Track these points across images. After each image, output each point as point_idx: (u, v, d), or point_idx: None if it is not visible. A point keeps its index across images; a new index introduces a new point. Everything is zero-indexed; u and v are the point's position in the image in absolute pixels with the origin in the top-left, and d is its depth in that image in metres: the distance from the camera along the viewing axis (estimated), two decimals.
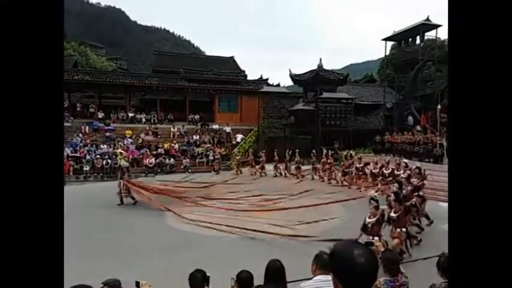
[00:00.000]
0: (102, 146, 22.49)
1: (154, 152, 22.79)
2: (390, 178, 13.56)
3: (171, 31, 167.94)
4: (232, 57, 40.54)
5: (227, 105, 29.96)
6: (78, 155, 21.06)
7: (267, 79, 35.31)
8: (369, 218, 6.81)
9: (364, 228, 6.80)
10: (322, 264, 2.80)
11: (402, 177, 10.95)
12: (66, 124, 23.56)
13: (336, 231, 8.89)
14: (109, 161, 20.60)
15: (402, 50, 29.66)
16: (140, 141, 24.06)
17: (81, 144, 22.29)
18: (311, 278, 2.86)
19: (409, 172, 11.08)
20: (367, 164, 15.93)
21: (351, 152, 18.98)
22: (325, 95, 26.52)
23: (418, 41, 27.74)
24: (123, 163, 13.57)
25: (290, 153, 20.29)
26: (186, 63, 33.97)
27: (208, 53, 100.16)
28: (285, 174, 19.99)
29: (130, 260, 7.32)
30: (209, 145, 25.08)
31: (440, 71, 26.38)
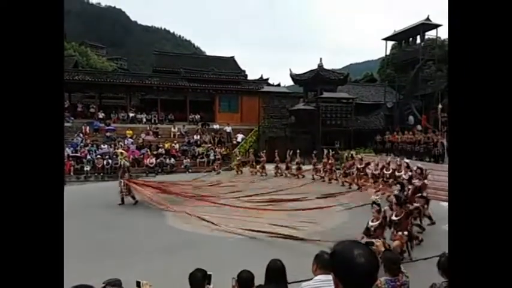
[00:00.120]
0: (102, 146, 22.52)
1: (155, 152, 22.81)
2: (391, 179, 13.54)
3: (171, 31, 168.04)
4: (232, 57, 40.55)
5: (227, 105, 29.97)
6: (78, 155, 21.09)
7: (267, 79, 35.32)
8: (372, 221, 6.81)
9: (367, 232, 6.79)
10: (322, 264, 2.80)
11: (404, 179, 10.90)
12: (66, 124, 23.60)
13: (336, 231, 8.89)
14: (110, 161, 20.63)
15: (403, 49, 29.63)
16: (141, 141, 24.08)
17: (81, 144, 22.32)
18: (312, 278, 2.87)
19: (410, 174, 11.05)
20: (368, 164, 15.90)
21: (352, 152, 18.95)
22: (326, 94, 26.53)
23: (418, 41, 27.70)
24: (124, 163, 13.58)
25: (291, 153, 20.29)
26: (187, 63, 33.98)
27: (208, 53, 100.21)
28: (286, 174, 19.98)
29: (131, 260, 7.33)
30: (210, 145, 25.09)
31: (441, 70, 26.35)
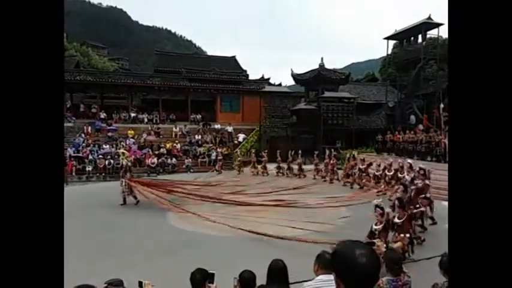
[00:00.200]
0: (104, 146, 22.56)
1: (156, 152, 22.84)
2: (394, 181, 13.49)
3: (172, 31, 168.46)
4: (233, 57, 40.54)
5: (229, 105, 29.97)
6: (80, 155, 21.13)
7: (268, 79, 35.33)
8: (375, 225, 6.80)
9: (371, 236, 6.78)
10: (324, 264, 2.80)
11: (407, 180, 10.80)
12: (68, 124, 23.67)
13: (338, 232, 8.88)
14: (111, 161, 20.66)
15: (404, 48, 29.55)
16: (142, 141, 24.11)
17: (83, 144, 22.36)
18: (313, 278, 2.86)
19: (412, 175, 10.97)
20: (370, 164, 15.86)
21: (353, 153, 18.89)
22: (327, 94, 26.51)
23: (420, 40, 27.62)
24: (126, 163, 13.60)
25: (293, 153, 20.28)
26: (188, 63, 34.02)
27: (209, 52, 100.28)
28: (287, 174, 19.97)
29: (132, 259, 7.33)
30: (211, 145, 25.10)
31: (443, 69, 26.28)
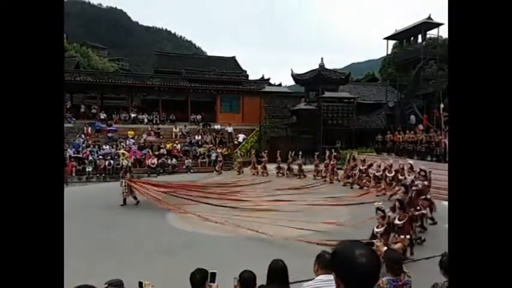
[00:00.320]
0: (104, 146, 22.57)
1: (156, 153, 22.84)
2: (394, 182, 13.46)
3: (172, 32, 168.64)
4: (233, 57, 40.55)
5: (229, 106, 29.96)
6: (80, 155, 21.14)
7: (268, 79, 35.34)
8: (377, 227, 6.79)
9: (373, 238, 6.77)
10: (324, 264, 2.80)
11: (407, 181, 10.75)
12: (68, 125, 23.67)
13: (338, 232, 8.88)
14: (111, 161, 20.65)
15: (404, 48, 29.55)
16: (142, 141, 24.11)
17: (83, 145, 22.37)
18: (313, 278, 2.86)
19: (412, 176, 10.95)
20: (371, 165, 15.86)
21: (353, 154, 18.88)
22: (327, 94, 26.52)
23: (419, 40, 27.62)
24: (126, 163, 13.60)
25: (293, 154, 20.30)
26: (188, 64, 34.04)
27: (209, 53, 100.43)
28: (287, 174, 19.97)
29: (133, 260, 7.33)
30: (211, 145, 25.10)
31: (442, 69, 26.29)
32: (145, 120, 27.43)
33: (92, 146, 22.34)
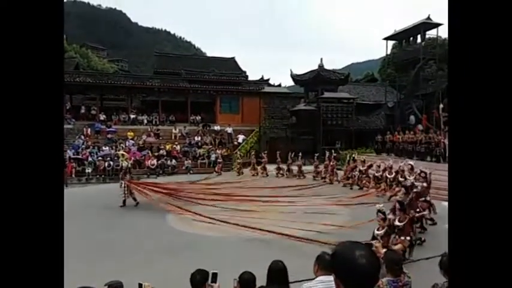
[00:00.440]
0: (104, 147, 22.55)
1: (156, 154, 22.83)
2: (394, 183, 13.44)
3: (172, 32, 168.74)
4: (233, 58, 40.58)
5: (228, 106, 29.95)
6: (80, 157, 21.12)
7: (268, 79, 35.36)
8: (378, 230, 6.79)
9: (374, 240, 6.77)
10: (324, 265, 2.79)
11: (408, 183, 10.73)
12: (68, 126, 23.65)
13: (338, 233, 8.88)
14: (111, 162, 20.64)
15: (403, 49, 29.59)
16: (142, 142, 24.09)
17: (83, 146, 22.35)
18: (313, 279, 2.86)
19: (412, 179, 10.93)
20: (371, 166, 15.86)
21: (353, 155, 18.90)
22: (327, 95, 26.54)
23: (419, 40, 27.65)
24: (126, 164, 13.60)
25: (292, 155, 20.31)
26: (187, 65, 34.07)
27: (209, 54, 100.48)
28: (286, 175, 19.98)
29: (132, 261, 7.33)
30: (211, 146, 25.09)
31: (442, 69, 26.30)
32: (145, 121, 27.40)
33: (91, 147, 22.33)
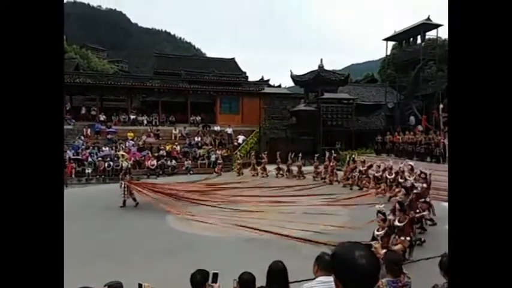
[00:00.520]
0: (104, 148, 22.55)
1: (156, 154, 22.83)
2: (394, 183, 13.44)
3: (172, 33, 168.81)
4: (233, 59, 40.58)
5: (228, 107, 29.96)
6: (80, 157, 21.12)
7: (268, 80, 35.37)
8: (377, 230, 6.79)
9: (374, 241, 6.77)
10: (323, 265, 2.79)
11: (407, 184, 10.73)
12: (68, 127, 23.66)
13: (338, 233, 8.87)
14: (111, 163, 20.64)
15: (403, 49, 29.57)
16: (142, 143, 24.08)
17: (83, 146, 22.35)
18: (313, 280, 2.86)
19: (412, 180, 10.92)
20: (371, 166, 15.86)
21: (353, 156, 18.89)
22: (327, 95, 26.55)
23: (419, 41, 27.64)
24: (126, 165, 13.60)
25: (292, 155, 20.32)
26: (187, 65, 34.07)
27: (209, 54, 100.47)
28: (286, 175, 19.98)
29: (132, 261, 7.33)
30: (211, 147, 25.09)
31: (442, 70, 26.30)
32: (145, 122, 27.40)
33: (91, 147, 22.32)
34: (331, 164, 18.11)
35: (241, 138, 26.99)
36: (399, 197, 9.06)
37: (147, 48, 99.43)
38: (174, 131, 26.38)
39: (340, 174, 17.80)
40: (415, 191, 9.37)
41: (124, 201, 12.80)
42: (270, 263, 3.21)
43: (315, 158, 19.93)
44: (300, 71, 36.16)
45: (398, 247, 6.64)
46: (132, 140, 24.35)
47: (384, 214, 6.80)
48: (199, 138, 25.98)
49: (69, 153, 20.76)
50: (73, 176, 19.72)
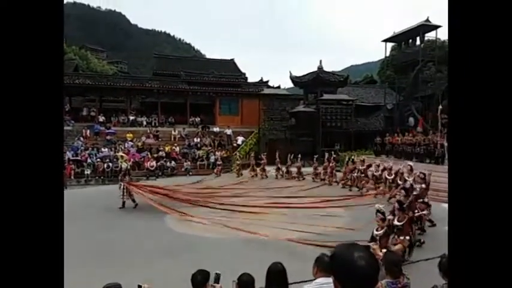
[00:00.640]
0: (103, 149, 22.54)
1: (155, 155, 22.83)
2: (394, 185, 13.42)
3: (171, 34, 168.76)
4: (232, 60, 40.62)
5: (228, 108, 29.98)
6: (79, 158, 21.11)
7: (267, 81, 35.41)
8: (377, 230, 6.78)
9: (373, 241, 6.77)
10: (323, 266, 2.79)
11: (406, 185, 10.72)
12: (67, 128, 23.64)
13: (337, 234, 8.87)
14: (110, 164, 20.63)
15: (402, 51, 29.59)
16: (141, 144, 24.08)
17: (82, 147, 22.35)
18: (312, 281, 2.86)
19: (411, 180, 10.92)
20: (370, 166, 15.86)
21: (352, 157, 18.89)
22: (326, 96, 26.57)
23: (418, 42, 27.66)
24: (125, 166, 13.60)
25: (292, 157, 20.32)
26: (187, 66, 34.08)
27: (208, 55, 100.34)
28: (286, 176, 19.98)
29: (131, 262, 7.31)
30: (210, 148, 25.10)
31: (441, 71, 26.31)
32: (144, 123, 27.41)
33: (90, 148, 22.32)
34: (330, 165, 18.12)
35: (240, 139, 27.00)
36: (398, 197, 9.05)
37: (146, 49, 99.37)
38: (173, 132, 26.39)
39: (340, 175, 17.80)
40: (414, 193, 9.37)
41: (123, 203, 12.78)
42: (269, 264, 3.21)
43: (314, 159, 19.97)
44: (300, 71, 36.30)
45: (398, 247, 6.64)
46: (131, 141, 24.34)
47: (383, 213, 6.79)
48: (199, 139, 25.99)
49: (69, 154, 20.74)
50: (72, 177, 19.71)
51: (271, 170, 20.77)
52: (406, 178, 11.96)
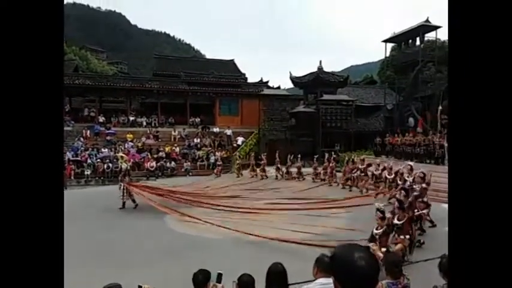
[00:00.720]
0: (103, 149, 22.55)
1: (155, 156, 22.84)
2: (394, 185, 13.41)
3: (171, 35, 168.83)
4: (232, 60, 40.64)
5: (228, 108, 29.98)
6: (79, 159, 21.12)
7: (267, 82, 35.41)
8: (376, 229, 6.77)
9: (373, 239, 6.76)
10: (323, 267, 2.79)
11: (409, 184, 10.71)
12: (67, 128, 23.64)
13: (337, 235, 8.86)
14: (110, 164, 20.63)
15: (402, 51, 29.60)
16: (141, 144, 24.08)
17: (82, 148, 22.35)
18: (312, 281, 2.86)
19: (411, 181, 10.92)
20: (370, 165, 15.86)
21: (352, 157, 18.89)
22: (326, 97, 26.58)
23: (418, 43, 27.67)
24: (125, 167, 13.59)
25: (292, 157, 20.32)
26: (187, 67, 34.10)
27: (208, 56, 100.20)
28: (286, 177, 19.98)
29: (132, 263, 7.31)
30: (210, 148, 25.11)
31: (441, 72, 26.31)
32: (144, 123, 27.42)
33: (90, 149, 22.33)
34: (330, 165, 18.13)
35: (240, 139, 27.00)
36: (398, 196, 9.04)
37: (146, 50, 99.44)
38: (173, 133, 26.40)
39: (340, 175, 17.79)
40: (414, 193, 9.38)
41: (123, 203, 12.78)
42: (269, 264, 3.20)
43: (314, 159, 19.97)
44: (300, 72, 36.32)
45: (398, 247, 6.63)
46: (131, 141, 24.35)
47: (382, 212, 6.78)
48: (199, 140, 25.99)
49: (69, 155, 20.74)
50: (72, 177, 19.71)
51: (271, 170, 20.77)
52: (406, 178, 11.97)
